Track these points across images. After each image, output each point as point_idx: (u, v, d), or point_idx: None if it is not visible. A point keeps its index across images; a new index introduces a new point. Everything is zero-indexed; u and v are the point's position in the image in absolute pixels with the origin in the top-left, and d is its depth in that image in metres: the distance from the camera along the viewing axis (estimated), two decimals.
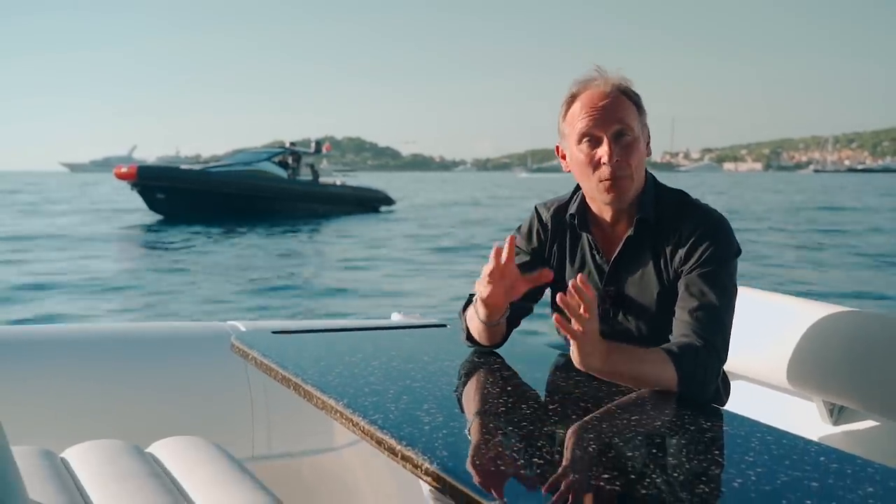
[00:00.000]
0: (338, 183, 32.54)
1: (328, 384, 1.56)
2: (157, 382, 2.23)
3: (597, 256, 1.82)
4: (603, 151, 1.71)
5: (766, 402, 2.19)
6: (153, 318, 9.59)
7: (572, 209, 1.84)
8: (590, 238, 1.82)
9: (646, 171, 1.80)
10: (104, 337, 2.30)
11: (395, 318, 2.70)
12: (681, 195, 1.81)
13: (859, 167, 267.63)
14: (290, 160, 29.82)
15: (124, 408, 2.17)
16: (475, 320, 1.78)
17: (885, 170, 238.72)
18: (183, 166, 31.53)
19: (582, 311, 1.45)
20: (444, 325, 2.24)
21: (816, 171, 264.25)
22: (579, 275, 1.48)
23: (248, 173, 28.36)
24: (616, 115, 1.71)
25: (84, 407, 2.13)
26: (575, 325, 1.45)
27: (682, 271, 1.70)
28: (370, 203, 32.62)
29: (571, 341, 1.48)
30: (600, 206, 1.80)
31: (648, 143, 1.79)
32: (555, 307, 1.48)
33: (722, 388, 1.87)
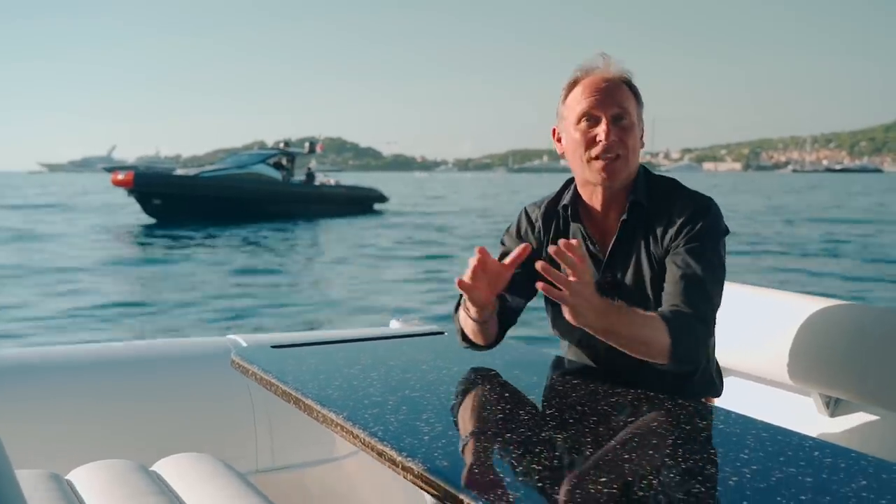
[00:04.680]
0: (332, 182, 32.64)
1: (328, 397, 1.57)
2: (159, 400, 2.24)
3: (591, 246, 1.84)
4: (600, 130, 1.74)
5: (762, 397, 2.21)
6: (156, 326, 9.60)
7: (565, 200, 1.87)
8: (582, 228, 1.85)
9: (638, 162, 1.83)
10: (105, 357, 2.31)
11: (394, 325, 2.72)
12: (672, 181, 1.84)
13: (837, 167, 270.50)
14: (284, 161, 29.87)
15: (128, 427, 2.18)
16: (467, 320, 1.80)
17: (863, 170, 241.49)
18: (178, 171, 31.69)
19: (577, 261, 1.48)
20: (442, 333, 2.26)
21: (795, 171, 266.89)
22: (563, 241, 1.51)
23: (243, 177, 28.47)
24: (616, 99, 1.75)
25: (88, 427, 2.14)
26: (570, 277, 1.48)
27: (669, 249, 1.74)
28: (365, 202, 32.85)
29: (567, 292, 1.49)
30: (591, 192, 1.83)
31: (643, 137, 1.83)
32: (539, 278, 1.49)
33: (716, 378, 1.89)
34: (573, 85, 1.80)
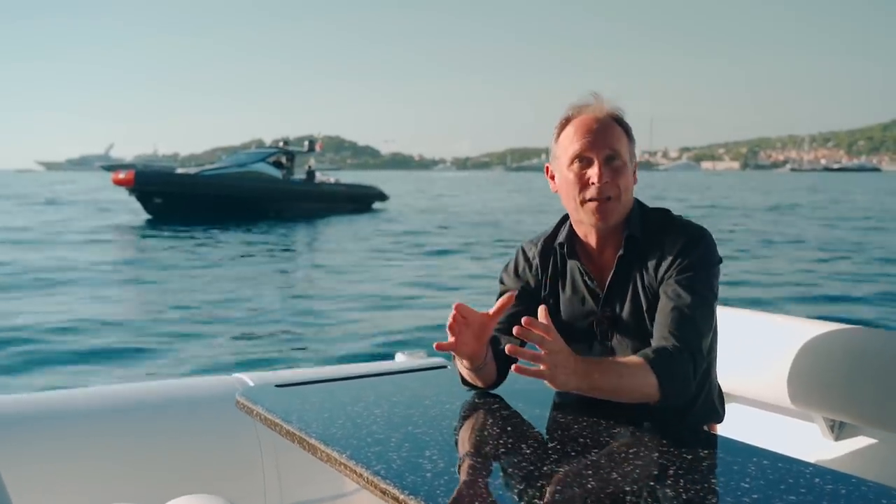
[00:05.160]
0: (332, 181, 32.77)
1: (332, 436, 1.59)
2: (166, 441, 2.25)
3: (588, 282, 1.86)
4: (593, 172, 1.76)
5: (766, 423, 2.22)
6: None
7: (560, 238, 1.89)
8: (579, 265, 1.87)
9: (632, 197, 1.86)
10: (111, 399, 2.33)
11: (400, 358, 2.73)
12: (664, 212, 1.86)
13: (835, 166, 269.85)
14: (283, 160, 30.04)
15: (135, 469, 2.19)
16: (462, 367, 1.82)
17: (861, 169, 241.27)
18: (179, 170, 32.00)
19: (543, 334, 1.50)
20: (445, 367, 2.27)
21: (793, 169, 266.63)
22: (526, 318, 1.52)
23: (243, 175, 28.65)
24: (608, 141, 1.78)
25: (94, 471, 2.15)
26: (542, 351, 1.50)
27: (662, 280, 1.76)
28: (365, 200, 33.02)
29: (542, 366, 1.51)
30: (586, 229, 1.85)
31: (636, 172, 1.85)
32: (511, 353, 1.51)
33: (718, 403, 1.90)
34: (564, 124, 1.83)
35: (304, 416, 1.74)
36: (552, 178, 1.88)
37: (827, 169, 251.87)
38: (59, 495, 2.07)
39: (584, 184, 1.78)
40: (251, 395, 1.93)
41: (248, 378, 2.43)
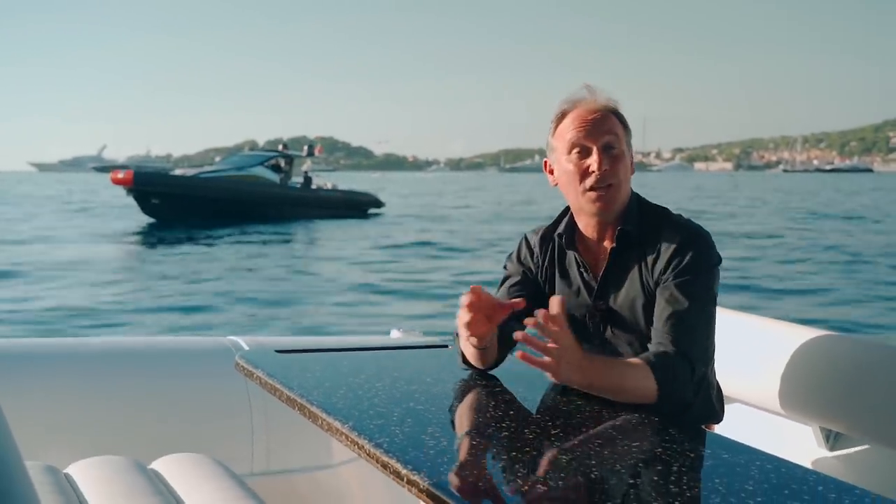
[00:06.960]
0: (328, 186, 32.70)
1: (333, 406, 1.57)
2: (159, 398, 2.24)
3: (584, 273, 1.86)
4: (592, 160, 1.77)
5: (762, 426, 2.22)
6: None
7: (560, 229, 1.90)
8: (577, 256, 1.87)
9: (630, 189, 1.86)
10: (107, 351, 2.32)
11: (395, 335, 2.71)
12: (663, 210, 1.86)
13: (827, 167, 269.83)
14: (282, 164, 29.95)
15: (127, 423, 2.18)
16: (468, 345, 1.81)
17: (853, 169, 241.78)
18: (177, 171, 31.90)
19: (558, 329, 1.51)
20: (445, 346, 2.26)
21: (785, 170, 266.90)
22: (541, 311, 1.52)
23: (241, 178, 28.57)
24: (605, 128, 1.78)
25: (87, 422, 2.14)
26: (551, 344, 1.51)
27: (659, 281, 1.76)
28: (360, 206, 32.94)
29: (548, 357, 1.51)
30: (586, 220, 1.85)
31: (633, 164, 1.85)
32: (517, 340, 1.53)
33: (717, 403, 1.90)
34: (561, 117, 1.83)
35: (304, 384, 1.73)
36: (551, 172, 1.88)
37: (819, 170, 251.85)
38: (49, 443, 2.05)
39: (583, 173, 1.78)
40: (251, 359, 1.91)
41: (242, 341, 2.41)
